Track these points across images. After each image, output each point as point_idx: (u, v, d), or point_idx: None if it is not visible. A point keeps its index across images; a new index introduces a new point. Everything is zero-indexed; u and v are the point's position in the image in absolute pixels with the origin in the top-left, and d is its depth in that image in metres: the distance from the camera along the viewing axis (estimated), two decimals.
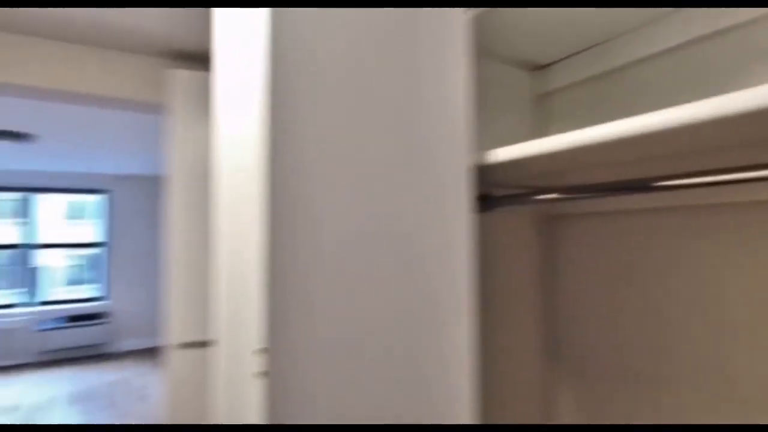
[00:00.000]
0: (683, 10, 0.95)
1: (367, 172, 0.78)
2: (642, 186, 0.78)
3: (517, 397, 1.16)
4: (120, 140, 3.74)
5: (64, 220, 5.64)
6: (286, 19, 0.75)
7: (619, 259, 1.07)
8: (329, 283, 0.76)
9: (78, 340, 5.11)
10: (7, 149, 3.96)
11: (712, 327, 0.91)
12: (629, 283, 1.05)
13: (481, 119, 1.13)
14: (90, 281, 5.61)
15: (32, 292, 5.22)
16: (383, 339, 0.80)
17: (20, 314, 5.01)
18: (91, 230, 5.62)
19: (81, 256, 5.63)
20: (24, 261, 5.21)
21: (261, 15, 0.75)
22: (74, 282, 5.61)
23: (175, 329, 1.95)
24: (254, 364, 0.80)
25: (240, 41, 0.88)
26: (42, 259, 5.32)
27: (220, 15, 1.05)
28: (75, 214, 5.75)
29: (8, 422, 3.34)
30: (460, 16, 0.87)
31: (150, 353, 5.35)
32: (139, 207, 5.67)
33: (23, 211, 5.23)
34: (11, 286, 5.18)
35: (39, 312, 5.09)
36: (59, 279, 5.52)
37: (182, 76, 1.94)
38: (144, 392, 4.00)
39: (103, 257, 5.53)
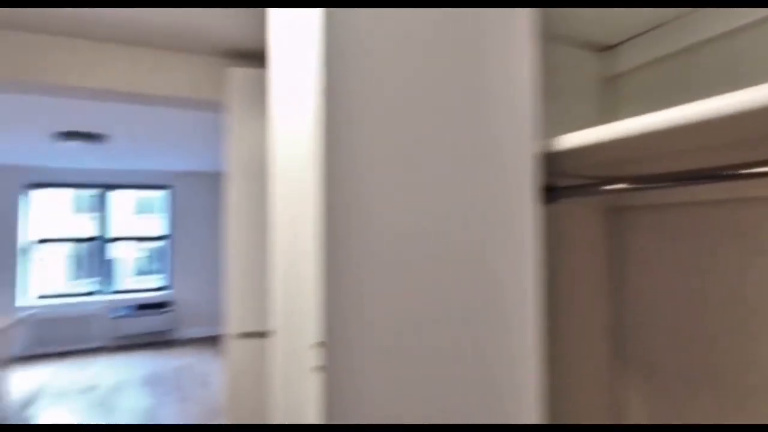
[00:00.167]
0: None
1: (426, 162, 0.75)
2: (723, 174, 0.70)
3: (583, 398, 1.09)
4: (181, 138, 3.94)
5: (133, 215, 6.06)
6: (340, 17, 0.73)
7: (693, 254, 0.98)
8: (387, 278, 0.74)
9: (146, 327, 5.47)
10: (84, 149, 4.28)
11: None
12: (704, 279, 0.96)
13: (545, 104, 1.07)
14: (156, 272, 5.99)
15: (106, 281, 5.64)
16: (445, 335, 0.77)
17: (97, 302, 5.44)
18: (157, 224, 5.99)
19: (148, 249, 6.03)
20: (100, 252, 5.65)
21: (315, 15, 0.74)
22: (142, 273, 6.02)
23: (235, 320, 2.02)
24: (311, 357, 0.80)
25: (294, 40, 0.88)
26: (115, 251, 5.74)
27: (274, 14, 1.06)
28: (143, 208, 6.15)
29: (89, 400, 3.64)
30: None
31: (211, 341, 5.64)
32: (200, 202, 5.96)
33: (98, 207, 5.66)
34: (89, 275, 5.64)
35: (112, 300, 5.50)
36: (129, 270, 5.93)
37: (239, 74, 1.99)
38: (206, 378, 4.22)
39: (168, 249, 5.88)
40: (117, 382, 4.11)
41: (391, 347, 0.74)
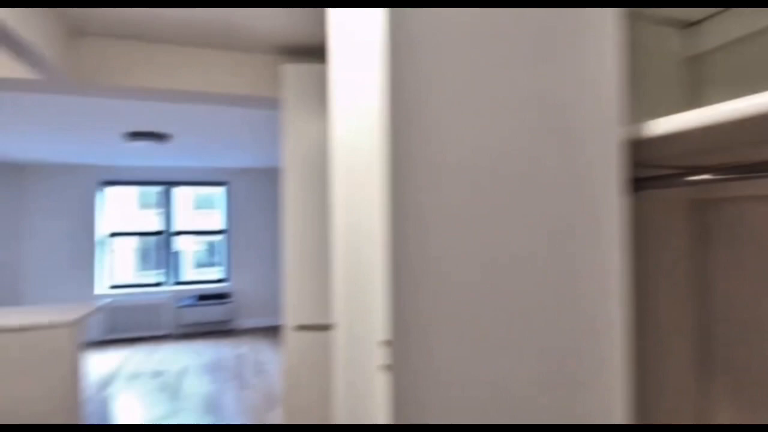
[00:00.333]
0: None
1: (501, 154, 0.71)
2: None
3: (668, 399, 1.01)
4: (238, 136, 4.08)
5: (193, 210, 6.38)
6: (403, 15, 0.71)
7: None
8: (459, 275, 0.71)
9: (207, 316, 5.76)
10: (150, 148, 4.54)
11: None
12: None
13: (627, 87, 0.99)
14: (215, 264, 6.28)
15: (171, 273, 5.99)
16: (523, 334, 0.73)
17: (163, 292, 5.79)
18: (215, 219, 6.27)
19: (207, 242, 6.33)
20: (164, 246, 6.00)
21: (378, 15, 0.72)
22: (202, 265, 6.33)
23: (292, 312, 2.06)
24: (377, 355, 0.78)
25: (356, 37, 0.86)
26: (178, 244, 6.07)
27: (334, 13, 1.05)
28: (202, 204, 6.46)
29: (158, 384, 3.88)
30: None
31: (266, 332, 5.84)
32: (255, 197, 6.17)
33: (163, 202, 6.01)
34: (155, 267, 6.01)
35: (176, 291, 5.83)
36: (191, 262, 6.27)
37: (294, 70, 2.02)
38: (262, 367, 4.38)
39: (225, 243, 6.14)
40: (182, 368, 4.36)
41: (464, 347, 0.72)
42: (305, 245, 2.06)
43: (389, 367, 0.73)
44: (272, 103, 2.35)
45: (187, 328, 5.76)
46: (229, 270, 6.11)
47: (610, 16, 0.76)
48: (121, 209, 6.00)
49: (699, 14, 1.02)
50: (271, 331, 5.85)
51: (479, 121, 0.72)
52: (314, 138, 2.06)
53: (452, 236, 0.71)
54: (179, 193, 6.11)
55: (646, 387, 1.01)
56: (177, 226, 6.06)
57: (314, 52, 2.26)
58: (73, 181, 5.52)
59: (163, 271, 5.97)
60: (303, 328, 2.06)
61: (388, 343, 0.73)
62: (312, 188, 2.06)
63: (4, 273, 5.23)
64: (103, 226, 5.71)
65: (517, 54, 0.73)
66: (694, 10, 1.00)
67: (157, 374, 4.19)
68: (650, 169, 0.95)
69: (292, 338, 2.06)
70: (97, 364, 4.52)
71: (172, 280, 5.98)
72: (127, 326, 5.54)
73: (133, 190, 6.13)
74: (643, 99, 1.00)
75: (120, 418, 3.21)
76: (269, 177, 6.23)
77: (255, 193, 6.17)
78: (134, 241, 6.05)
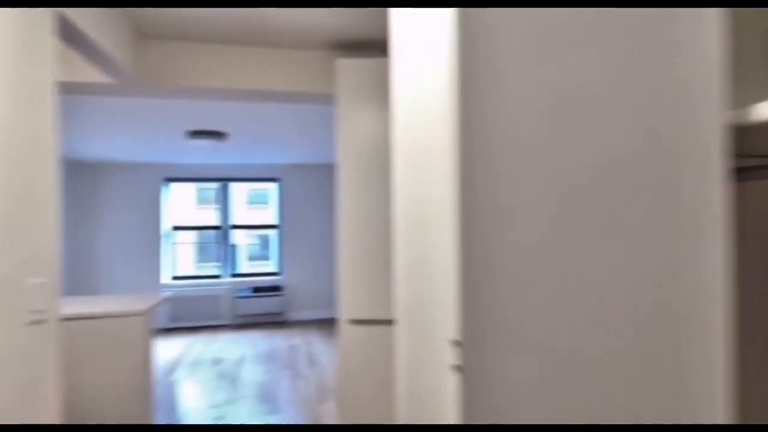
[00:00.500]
0: None
1: (585, 145, 0.67)
2: None
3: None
4: (290, 133, 4.17)
5: (246, 205, 6.63)
6: (475, 14, 0.67)
7: None
8: (537, 271, 0.68)
9: (261, 308, 5.98)
10: (208, 146, 4.74)
11: None
12: None
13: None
14: (269, 258, 6.50)
15: (228, 265, 6.26)
16: (610, 334, 0.69)
17: (220, 284, 6.07)
18: (268, 214, 6.48)
19: (261, 236, 6.56)
20: (221, 239, 6.28)
21: (446, 14, 0.70)
22: (257, 258, 6.58)
23: (346, 306, 2.09)
24: (444, 353, 0.76)
25: (421, 35, 0.84)
26: (235, 238, 6.33)
27: (399, 10, 1.03)
28: (256, 199, 6.70)
29: (217, 371, 4.08)
30: None
31: (317, 324, 5.98)
32: (306, 193, 6.31)
33: (220, 198, 6.29)
34: (212, 260, 6.31)
35: (233, 283, 6.09)
36: (245, 255, 6.52)
37: (349, 64, 2.02)
38: (314, 358, 4.48)
39: (278, 237, 6.33)
40: (239, 357, 4.55)
41: (540, 348, 0.68)
42: (360, 240, 2.07)
43: (459, 369, 0.70)
44: (326, 99, 2.37)
45: (243, 319, 6.00)
46: (281, 263, 6.30)
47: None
48: (180, 205, 6.33)
49: None
50: (323, 324, 5.98)
51: (566, 115, 0.68)
52: (369, 132, 2.05)
53: (535, 233, 0.68)
54: (234, 189, 6.37)
55: (749, 386, 0.92)
56: (234, 221, 6.33)
57: (368, 45, 2.25)
58: (140, 178, 5.89)
59: (220, 263, 6.25)
60: (357, 322, 2.08)
61: (458, 343, 0.71)
62: (367, 182, 2.07)
63: (80, 264, 5.67)
64: (166, 220, 6.06)
65: (611, 45, 0.68)
66: None
67: (216, 362, 4.40)
68: (753, 159, 0.87)
69: (346, 332, 2.08)
70: (163, 351, 4.80)
71: (229, 272, 6.25)
72: (188, 315, 5.86)
73: (191, 187, 6.45)
74: (741, 83, 0.91)
75: (185, 402, 3.39)
76: (320, 173, 6.34)
77: (306, 189, 6.32)
78: (193, 235, 6.38)
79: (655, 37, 0.69)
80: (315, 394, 3.51)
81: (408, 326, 1.00)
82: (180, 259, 6.28)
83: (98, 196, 5.80)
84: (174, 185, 6.15)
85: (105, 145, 4.60)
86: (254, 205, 6.70)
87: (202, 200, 6.56)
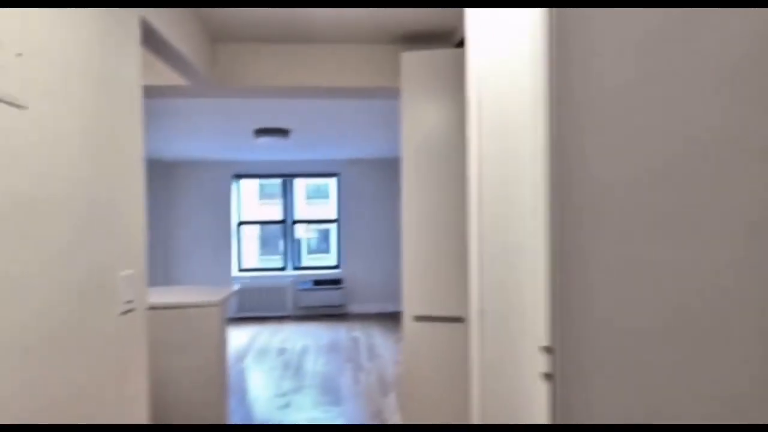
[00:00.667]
0: None
1: (683, 144, 0.60)
2: None
3: None
4: (349, 128, 4.22)
5: (307, 200, 6.82)
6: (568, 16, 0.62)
7: None
8: (634, 276, 0.62)
9: (322, 300, 6.14)
10: (272, 143, 4.91)
11: None
12: None
13: None
14: (328, 251, 6.65)
15: (291, 258, 6.48)
16: (706, 342, 0.61)
17: (284, 276, 6.30)
18: (328, 208, 6.62)
19: (321, 230, 6.72)
20: (284, 233, 6.50)
21: (536, 14, 0.65)
22: (318, 252, 6.75)
23: (410, 302, 2.07)
24: (530, 357, 0.72)
25: (503, 29, 0.79)
26: (297, 231, 6.54)
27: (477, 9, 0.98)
28: (316, 194, 6.86)
29: (282, 360, 4.24)
30: None
31: (378, 317, 6.04)
32: (366, 187, 6.37)
33: (283, 193, 6.51)
34: (275, 253, 6.55)
35: (296, 275, 6.30)
36: (307, 249, 6.71)
37: (414, 57, 1.99)
38: (374, 351, 4.53)
39: (338, 232, 6.46)
40: (302, 347, 4.69)
41: (636, 358, 0.62)
42: (424, 235, 2.04)
43: (549, 377, 0.66)
44: (391, 93, 2.36)
45: (305, 311, 6.19)
46: (341, 257, 6.42)
47: None
48: (245, 200, 6.63)
49: None
50: (383, 317, 6.03)
51: (662, 112, 0.61)
52: (433, 124, 2.01)
53: (632, 233, 0.62)
54: (296, 184, 6.56)
55: None
56: (296, 215, 6.54)
57: (433, 38, 2.21)
58: (212, 175, 6.23)
59: (283, 256, 6.49)
60: (422, 318, 2.05)
61: (549, 350, 0.66)
62: (431, 175, 2.03)
63: (158, 256, 6.11)
64: (235, 215, 6.37)
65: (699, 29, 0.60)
66: None
67: (281, 351, 4.57)
68: None
69: (410, 328, 2.07)
70: (233, 340, 5.07)
71: (292, 265, 6.46)
72: (254, 306, 6.14)
73: (255, 183, 6.73)
74: None
75: (255, 389, 3.56)
76: (379, 167, 6.37)
77: (366, 183, 6.37)
78: (257, 229, 6.66)
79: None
80: (376, 387, 3.54)
81: (484, 327, 0.96)
82: (246, 252, 6.58)
83: (174, 192, 6.21)
84: (242, 181, 6.46)
85: (181, 144, 4.90)
86: (313, 199, 6.87)
87: (264, 195, 6.83)
